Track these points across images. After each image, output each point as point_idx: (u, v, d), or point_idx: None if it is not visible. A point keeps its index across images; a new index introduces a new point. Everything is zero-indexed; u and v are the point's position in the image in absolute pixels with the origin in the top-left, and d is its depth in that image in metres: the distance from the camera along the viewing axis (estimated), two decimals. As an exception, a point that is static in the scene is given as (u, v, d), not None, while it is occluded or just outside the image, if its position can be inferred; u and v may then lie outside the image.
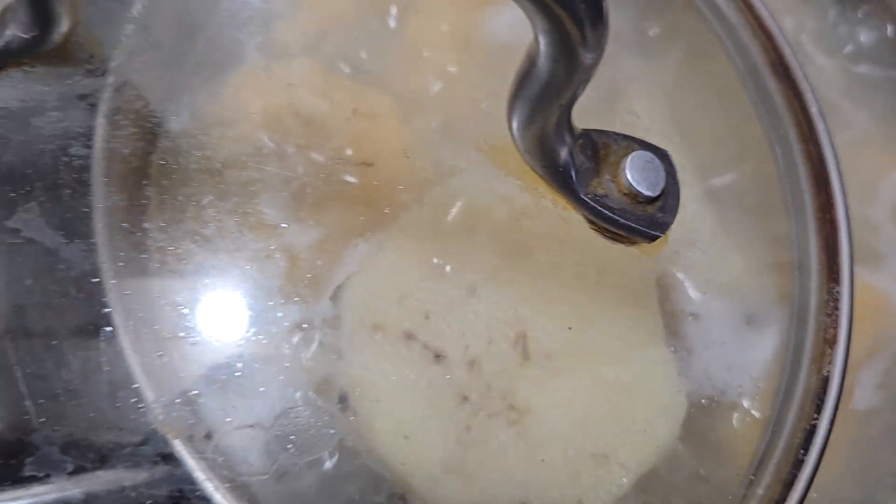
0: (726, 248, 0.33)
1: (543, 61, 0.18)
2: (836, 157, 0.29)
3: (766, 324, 0.32)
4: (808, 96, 0.30)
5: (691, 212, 0.33)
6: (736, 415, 0.30)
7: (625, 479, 0.29)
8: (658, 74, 0.35)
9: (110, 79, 0.27)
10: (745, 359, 0.31)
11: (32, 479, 0.22)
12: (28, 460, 0.22)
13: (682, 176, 0.26)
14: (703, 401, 0.30)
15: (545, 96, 0.19)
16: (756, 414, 0.30)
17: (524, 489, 0.28)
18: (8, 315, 0.25)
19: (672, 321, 0.32)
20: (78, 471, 0.25)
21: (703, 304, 0.32)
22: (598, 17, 0.17)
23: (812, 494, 0.31)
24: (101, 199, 0.28)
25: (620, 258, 0.31)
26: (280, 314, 0.30)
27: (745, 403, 0.30)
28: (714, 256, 0.33)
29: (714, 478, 0.29)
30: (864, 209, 0.35)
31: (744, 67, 0.32)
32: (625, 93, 0.34)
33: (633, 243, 0.26)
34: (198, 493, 0.25)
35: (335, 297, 0.31)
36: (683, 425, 0.30)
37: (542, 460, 0.29)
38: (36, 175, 0.24)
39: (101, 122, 0.27)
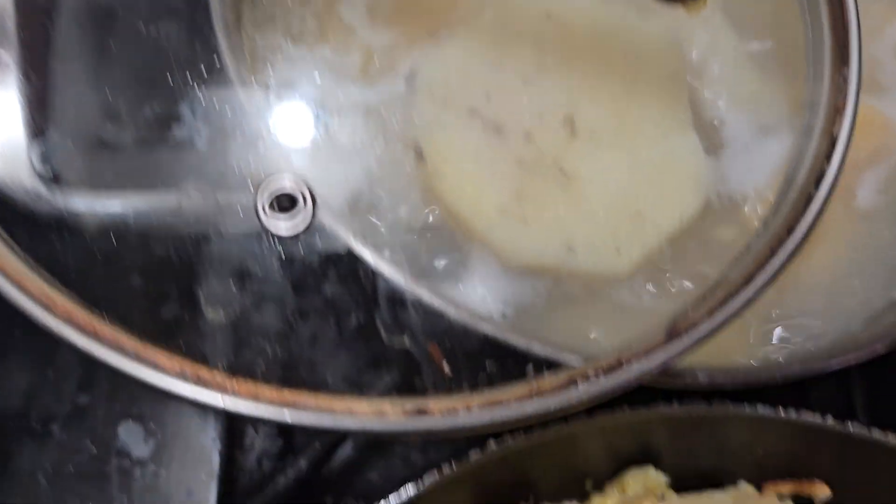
0: (747, 68, 0.38)
1: None
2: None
3: (780, 131, 0.37)
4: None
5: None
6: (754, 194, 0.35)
7: (655, 236, 0.34)
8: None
9: None
10: (763, 155, 0.36)
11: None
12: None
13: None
14: (725, 184, 0.35)
15: None
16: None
17: (569, 235, 0.33)
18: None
19: (700, 124, 0.36)
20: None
21: (726, 113, 0.37)
22: None
23: (821, 277, 0.36)
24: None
25: (657, 57, 0.36)
26: (361, 94, 0.35)
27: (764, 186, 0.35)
28: (736, 76, 0.38)
29: (734, 232, 0.34)
30: (871, 48, 0.40)
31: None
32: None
33: (684, 3, 0.31)
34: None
35: (407, 81, 0.35)
36: (707, 196, 0.34)
37: (586, 214, 0.33)
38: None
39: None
